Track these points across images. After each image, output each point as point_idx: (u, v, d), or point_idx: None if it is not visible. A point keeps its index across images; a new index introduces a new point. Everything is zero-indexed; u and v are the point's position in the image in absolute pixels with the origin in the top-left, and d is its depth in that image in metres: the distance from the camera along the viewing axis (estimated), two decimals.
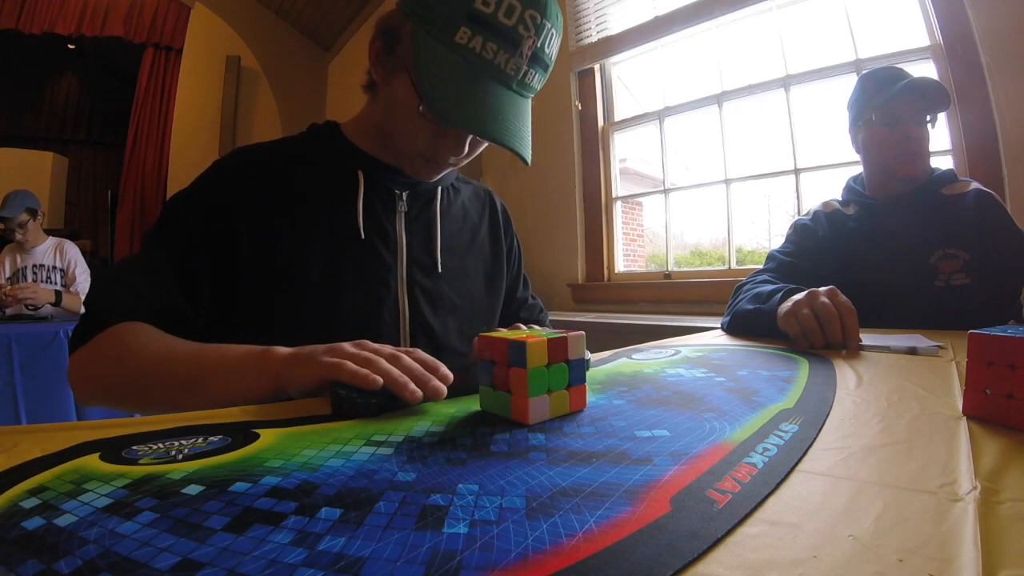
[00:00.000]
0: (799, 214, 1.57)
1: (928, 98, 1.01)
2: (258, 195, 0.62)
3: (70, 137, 6.07)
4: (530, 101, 0.61)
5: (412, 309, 0.66)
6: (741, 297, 0.96)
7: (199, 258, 0.58)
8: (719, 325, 0.99)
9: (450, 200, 0.75)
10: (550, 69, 0.59)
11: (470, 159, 0.66)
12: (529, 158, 0.59)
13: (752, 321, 0.86)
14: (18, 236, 2.41)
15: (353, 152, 0.67)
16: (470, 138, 0.61)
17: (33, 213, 2.45)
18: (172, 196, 0.62)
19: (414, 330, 0.65)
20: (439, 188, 0.73)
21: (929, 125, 1.04)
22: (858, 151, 1.15)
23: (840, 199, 1.17)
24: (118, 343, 0.52)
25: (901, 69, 1.08)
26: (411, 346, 0.65)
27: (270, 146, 0.67)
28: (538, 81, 0.59)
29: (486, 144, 0.64)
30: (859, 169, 1.18)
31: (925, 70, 1.69)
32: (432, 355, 0.66)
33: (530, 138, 0.60)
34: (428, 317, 0.67)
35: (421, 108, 0.57)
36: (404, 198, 0.69)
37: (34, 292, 2.27)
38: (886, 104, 1.03)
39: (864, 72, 1.14)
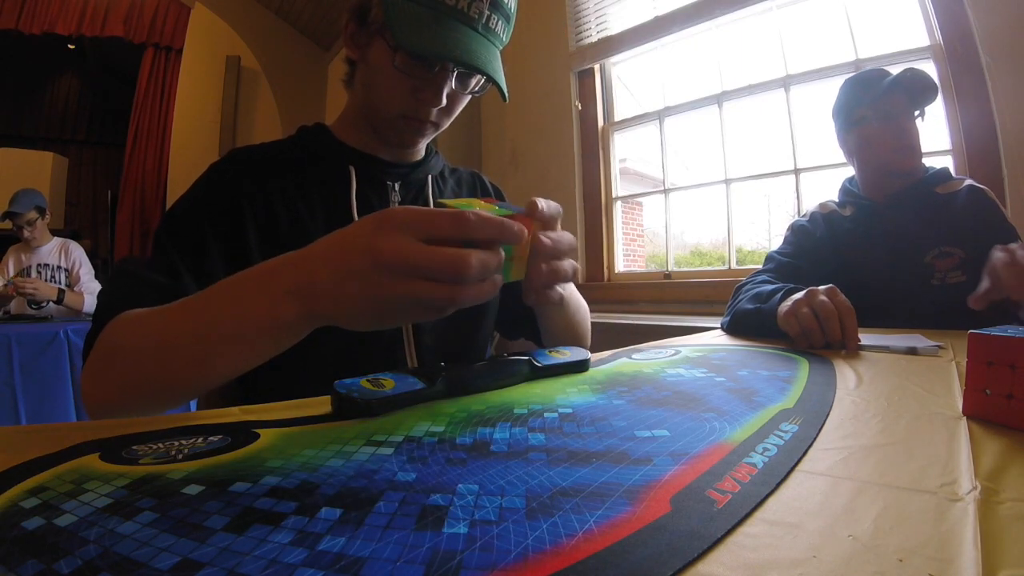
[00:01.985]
0: (799, 214, 1.57)
1: (915, 91, 1.03)
2: (259, 192, 0.62)
3: (70, 137, 6.07)
4: (499, 53, 0.62)
5: None
6: (741, 297, 0.96)
7: (209, 245, 0.58)
8: (719, 325, 1.00)
9: (440, 189, 0.76)
10: (512, 21, 0.62)
11: (451, 118, 0.66)
12: (507, 92, 0.61)
13: (752, 321, 0.86)
14: (26, 233, 2.42)
15: (342, 149, 0.69)
16: (447, 89, 0.61)
17: (42, 211, 2.46)
18: (173, 204, 0.61)
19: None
20: (429, 177, 0.74)
21: (919, 119, 1.05)
22: (848, 156, 1.16)
23: (836, 200, 1.18)
24: (120, 329, 0.48)
25: (884, 70, 1.09)
26: (413, 330, 0.65)
27: (263, 148, 0.68)
28: (502, 29, 0.60)
29: (466, 100, 0.65)
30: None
31: (925, 70, 1.69)
32: (435, 341, 0.67)
33: (504, 80, 0.61)
34: None
35: (396, 61, 0.58)
36: (397, 189, 0.70)
37: (35, 286, 2.27)
38: (877, 102, 1.05)
39: (846, 79, 1.15)
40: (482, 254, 0.35)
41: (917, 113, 1.04)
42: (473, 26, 0.57)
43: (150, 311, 0.47)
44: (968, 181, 1.05)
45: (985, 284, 0.76)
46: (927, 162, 1.10)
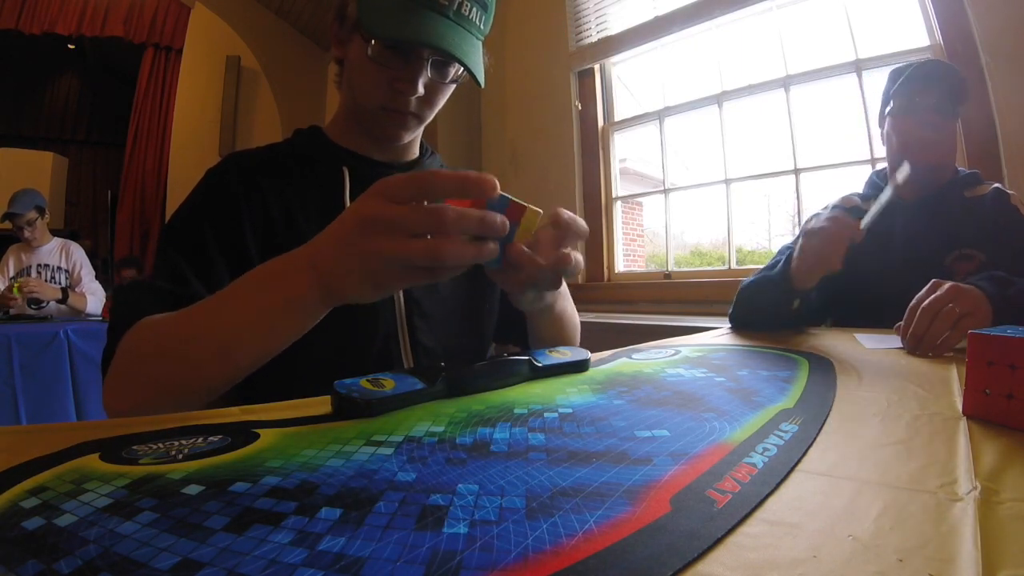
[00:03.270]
0: (799, 214, 1.56)
1: (942, 86, 0.99)
2: (255, 195, 0.63)
3: (70, 137, 6.07)
4: (480, 43, 0.63)
5: (407, 295, 0.67)
6: (745, 283, 0.98)
7: (212, 250, 0.59)
8: (727, 317, 0.99)
9: None
10: (490, 10, 0.62)
11: (433, 109, 0.67)
12: (482, 79, 0.61)
13: (761, 287, 0.88)
14: (26, 234, 2.42)
15: (336, 151, 0.69)
16: (423, 78, 0.61)
17: (41, 211, 2.47)
18: (172, 213, 0.62)
19: (410, 315, 0.66)
20: None
21: (953, 117, 1.01)
22: (884, 145, 1.13)
23: (861, 193, 1.15)
24: (140, 335, 0.49)
25: (941, 62, 1.07)
26: (408, 330, 0.65)
27: (259, 151, 0.69)
28: (477, 16, 0.60)
29: (448, 91, 0.65)
30: (859, 170, 1.17)
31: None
32: (430, 341, 0.67)
33: (482, 68, 0.62)
34: (423, 302, 0.67)
35: (370, 51, 0.59)
36: None
37: (39, 285, 2.28)
38: (900, 90, 1.02)
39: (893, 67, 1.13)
40: (462, 210, 0.36)
41: (954, 109, 1.00)
42: (444, 13, 0.58)
43: (168, 315, 0.49)
44: (995, 185, 1.02)
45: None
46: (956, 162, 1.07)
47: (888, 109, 1.07)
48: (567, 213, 0.47)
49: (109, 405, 0.48)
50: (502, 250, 0.41)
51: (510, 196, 0.41)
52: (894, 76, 1.07)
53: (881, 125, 1.13)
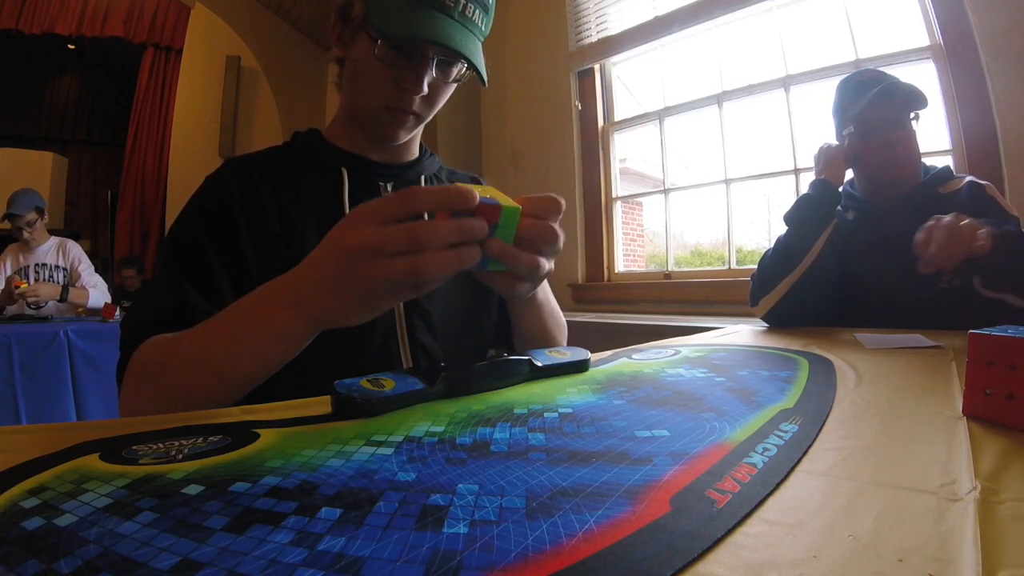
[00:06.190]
0: None
1: (903, 100, 1.01)
2: (253, 199, 0.63)
3: (70, 137, 6.08)
4: (480, 45, 0.63)
5: None
6: (762, 262, 1.07)
7: (211, 260, 0.60)
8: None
9: None
10: (490, 12, 0.63)
11: (433, 109, 0.67)
12: (486, 77, 0.62)
13: (802, 207, 1.04)
14: (26, 234, 2.42)
15: (335, 152, 0.69)
16: (428, 77, 0.62)
17: (41, 212, 2.47)
18: (173, 222, 0.64)
19: (409, 314, 0.66)
20: (423, 177, 0.74)
21: (913, 123, 1.03)
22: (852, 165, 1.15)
23: (840, 204, 1.17)
24: (147, 355, 0.52)
25: (878, 72, 1.07)
26: (407, 329, 0.65)
27: (257, 156, 0.69)
28: (480, 18, 0.61)
29: (448, 92, 0.66)
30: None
31: (925, 70, 1.69)
32: (429, 340, 0.67)
33: (484, 66, 0.63)
34: (421, 300, 0.67)
35: (377, 51, 0.60)
36: (389, 190, 0.70)
37: (36, 293, 2.28)
38: (861, 115, 1.03)
39: (841, 79, 1.14)
40: (434, 223, 0.37)
41: (913, 116, 1.02)
42: (449, 13, 0.58)
43: (171, 337, 0.51)
44: (968, 178, 1.03)
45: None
46: (928, 161, 1.09)
47: (847, 131, 1.09)
48: (535, 197, 0.44)
49: (126, 416, 0.51)
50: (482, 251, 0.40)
51: (484, 198, 0.39)
52: (846, 96, 1.09)
53: (839, 140, 1.14)
